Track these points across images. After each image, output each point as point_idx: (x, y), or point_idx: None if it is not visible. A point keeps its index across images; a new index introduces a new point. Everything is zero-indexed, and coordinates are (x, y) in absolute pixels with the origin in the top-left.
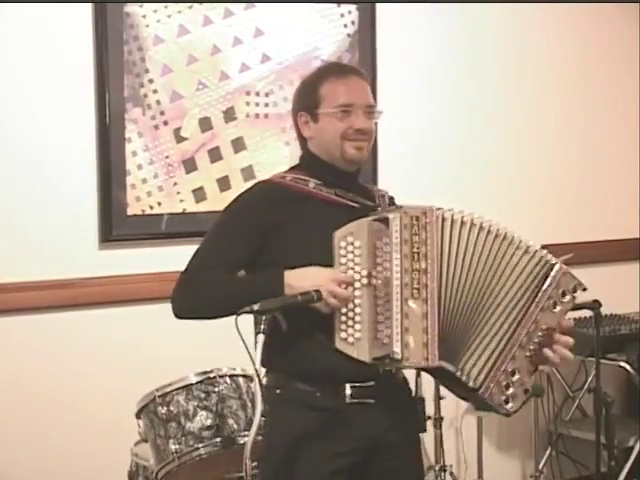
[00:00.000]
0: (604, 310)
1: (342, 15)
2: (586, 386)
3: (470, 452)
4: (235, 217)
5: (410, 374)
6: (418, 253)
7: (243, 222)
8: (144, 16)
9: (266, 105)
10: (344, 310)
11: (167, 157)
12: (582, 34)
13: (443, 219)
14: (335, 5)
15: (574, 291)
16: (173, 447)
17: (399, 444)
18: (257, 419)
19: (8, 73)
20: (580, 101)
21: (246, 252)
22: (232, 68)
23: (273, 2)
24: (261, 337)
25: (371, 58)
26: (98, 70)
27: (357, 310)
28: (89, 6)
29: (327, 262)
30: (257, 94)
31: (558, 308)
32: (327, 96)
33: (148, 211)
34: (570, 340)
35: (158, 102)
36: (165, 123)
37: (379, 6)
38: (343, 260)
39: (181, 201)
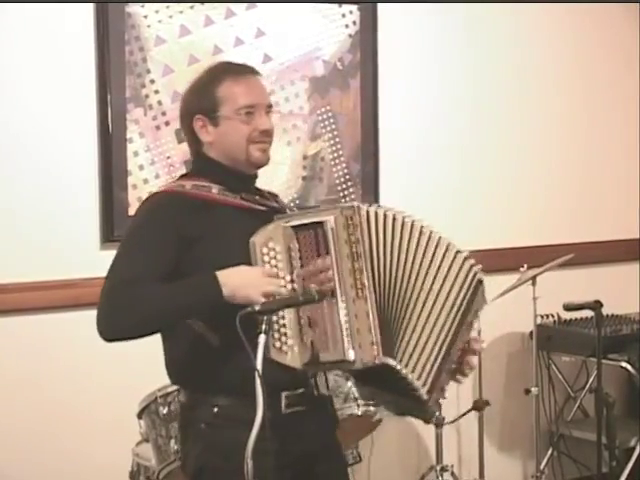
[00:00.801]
0: (605, 310)
1: (343, 15)
2: (587, 386)
3: (471, 452)
4: (149, 228)
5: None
6: (356, 252)
7: (158, 233)
8: (145, 16)
9: None
10: (274, 318)
11: (168, 157)
12: (584, 34)
13: (368, 215)
14: (336, 5)
15: (481, 309)
16: (174, 447)
17: (330, 446)
18: (258, 419)
19: (9, 73)
20: (582, 101)
21: (167, 263)
22: None
23: (274, 2)
24: (262, 337)
25: (372, 58)
26: (99, 70)
27: (286, 317)
28: (90, 6)
29: None
30: None
31: (475, 325)
32: (227, 98)
33: None
34: (476, 357)
35: (159, 102)
36: (166, 123)
37: (380, 6)
38: (267, 267)
39: None
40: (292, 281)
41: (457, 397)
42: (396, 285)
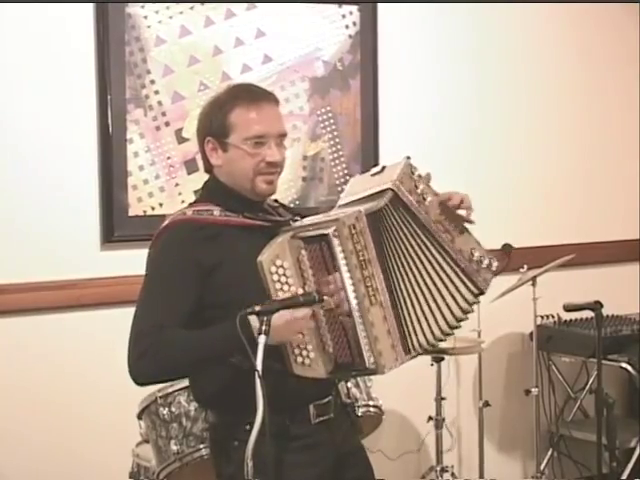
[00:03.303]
0: (605, 311)
1: (343, 16)
2: (587, 387)
3: (471, 453)
4: (168, 267)
5: None
6: (364, 260)
7: (178, 270)
8: (145, 17)
9: None
10: None
11: (169, 158)
12: (587, 36)
13: (367, 216)
14: (336, 6)
15: (412, 173)
16: (174, 448)
17: (356, 451)
18: (259, 419)
19: (9, 74)
20: (584, 102)
21: (191, 299)
22: (233, 69)
23: (274, 3)
24: (262, 338)
25: (372, 59)
26: (99, 71)
27: (304, 331)
28: (90, 7)
29: (261, 289)
30: None
31: (428, 197)
32: (238, 125)
33: (149, 212)
34: (448, 196)
35: (160, 103)
36: (167, 124)
37: (380, 6)
38: (278, 285)
39: (183, 202)
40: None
41: (457, 398)
42: (406, 272)
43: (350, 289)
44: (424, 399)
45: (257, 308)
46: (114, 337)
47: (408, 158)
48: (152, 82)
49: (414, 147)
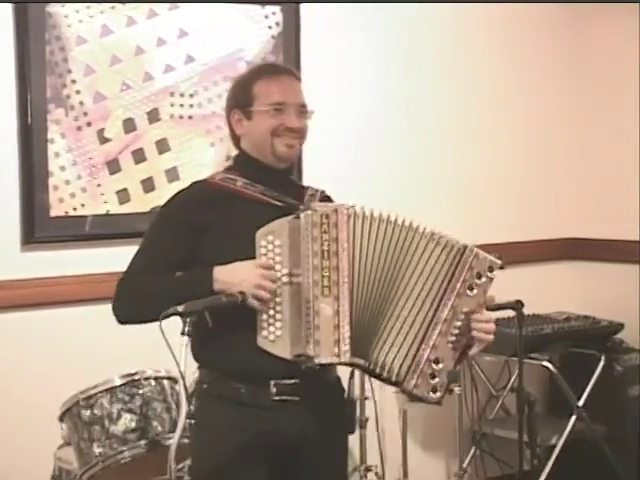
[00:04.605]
0: (527, 310)
1: (266, 17)
2: (509, 385)
3: (395, 452)
4: (165, 218)
5: (344, 375)
6: (328, 251)
7: (172, 222)
8: (66, 16)
9: (190, 106)
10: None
11: (90, 158)
12: (518, 35)
13: (355, 215)
14: (259, 6)
15: (490, 270)
16: (97, 450)
17: (322, 443)
18: (182, 421)
19: None
20: (514, 104)
21: (179, 251)
22: (156, 69)
23: (197, 3)
24: (185, 339)
25: (295, 60)
26: (19, 70)
27: (278, 308)
28: (9, 6)
29: (250, 257)
30: (181, 95)
31: (475, 291)
32: (260, 94)
33: (72, 213)
34: (490, 317)
35: (81, 103)
36: (88, 124)
37: (303, 7)
38: (264, 259)
39: (105, 202)
40: (290, 274)
41: (380, 397)
42: (377, 282)
43: (305, 273)
44: None
45: (180, 308)
46: (35, 339)
47: (502, 267)
48: (73, 82)
49: (339, 150)
